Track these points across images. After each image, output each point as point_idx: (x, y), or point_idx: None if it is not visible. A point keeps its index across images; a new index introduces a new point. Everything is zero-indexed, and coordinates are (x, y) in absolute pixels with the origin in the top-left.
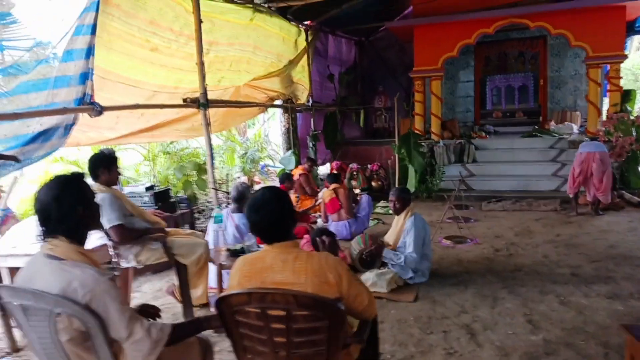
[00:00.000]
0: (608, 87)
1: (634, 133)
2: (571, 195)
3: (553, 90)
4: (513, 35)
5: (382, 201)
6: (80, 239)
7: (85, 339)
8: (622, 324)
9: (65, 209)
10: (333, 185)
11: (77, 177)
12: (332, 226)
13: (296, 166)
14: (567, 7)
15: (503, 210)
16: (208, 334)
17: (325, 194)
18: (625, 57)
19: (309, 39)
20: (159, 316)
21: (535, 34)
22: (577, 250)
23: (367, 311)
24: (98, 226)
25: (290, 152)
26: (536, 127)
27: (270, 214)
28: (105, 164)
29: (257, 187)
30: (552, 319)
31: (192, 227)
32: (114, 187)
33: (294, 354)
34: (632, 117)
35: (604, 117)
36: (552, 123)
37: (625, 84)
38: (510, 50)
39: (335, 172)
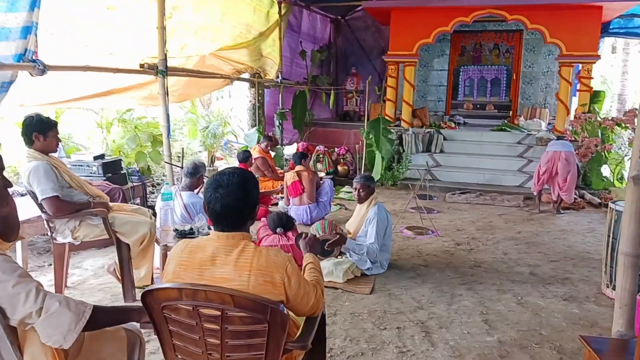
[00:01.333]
0: (578, 86)
1: (600, 135)
2: (535, 193)
3: (525, 85)
4: (490, 26)
5: (347, 186)
6: None
7: None
8: (581, 335)
9: None
10: (297, 168)
11: None
12: (293, 210)
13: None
14: (545, 2)
15: (467, 203)
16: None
17: (287, 177)
18: (598, 57)
19: (282, 11)
20: None
21: (512, 28)
22: (537, 249)
23: (311, 310)
24: None
25: (255, 129)
26: (505, 121)
27: (228, 197)
28: (39, 129)
29: (217, 163)
30: (508, 319)
31: (144, 201)
32: (52, 154)
33: (228, 357)
34: (599, 119)
35: (572, 117)
36: (522, 118)
37: (593, 85)
38: (486, 42)
39: (301, 151)
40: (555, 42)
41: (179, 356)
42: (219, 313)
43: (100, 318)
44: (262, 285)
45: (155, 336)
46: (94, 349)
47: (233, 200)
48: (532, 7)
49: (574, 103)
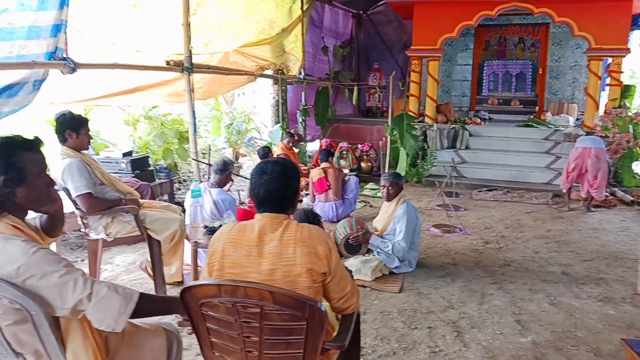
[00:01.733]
0: (608, 81)
1: (631, 130)
2: (564, 190)
3: (551, 80)
4: (515, 20)
5: (371, 183)
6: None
7: (26, 320)
8: (623, 338)
9: None
10: (323, 165)
11: (11, 144)
12: (319, 207)
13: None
14: None
15: (494, 201)
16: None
17: (313, 173)
18: (629, 51)
19: (305, 7)
20: None
21: (538, 21)
22: (568, 248)
23: (349, 300)
24: (38, 206)
25: (278, 125)
26: (531, 116)
27: (271, 183)
28: (72, 127)
29: (242, 159)
30: (541, 320)
31: (172, 198)
32: (84, 152)
33: (266, 354)
34: (630, 114)
35: (602, 112)
36: (549, 114)
37: (622, 79)
38: (511, 36)
39: (327, 149)
40: (584, 35)
41: (216, 353)
42: (258, 310)
43: (147, 304)
44: (308, 256)
45: (187, 333)
46: (134, 346)
47: (275, 187)
48: None
49: (604, 98)
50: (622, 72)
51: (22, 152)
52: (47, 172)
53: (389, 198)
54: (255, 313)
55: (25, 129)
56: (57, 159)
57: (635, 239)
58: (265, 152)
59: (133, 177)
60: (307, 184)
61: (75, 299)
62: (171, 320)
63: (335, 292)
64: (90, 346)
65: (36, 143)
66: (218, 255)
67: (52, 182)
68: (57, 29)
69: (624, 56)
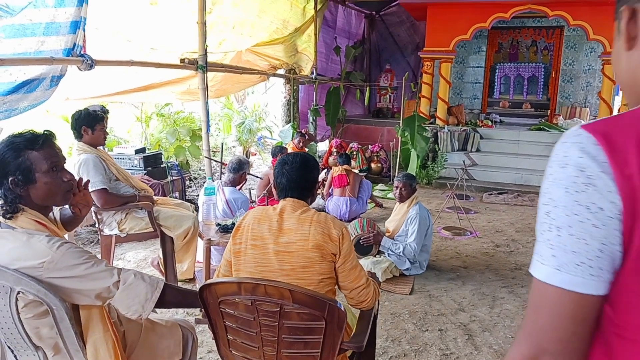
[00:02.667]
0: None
1: None
2: None
3: (564, 83)
4: (529, 23)
5: (380, 184)
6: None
7: (47, 314)
8: None
9: None
10: (345, 166)
11: (17, 143)
12: (333, 201)
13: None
14: None
15: (504, 204)
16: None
17: (334, 169)
18: None
19: (318, 7)
20: None
21: (552, 24)
22: None
23: (364, 292)
24: (57, 202)
25: (289, 125)
26: (543, 120)
27: (291, 172)
28: (87, 123)
29: (252, 158)
30: None
31: (183, 195)
32: (100, 147)
33: (283, 353)
34: None
35: None
36: (561, 118)
37: None
38: (524, 39)
39: (345, 152)
40: (599, 39)
41: (233, 351)
42: (277, 308)
43: (170, 294)
44: (321, 235)
45: (212, 339)
46: (151, 342)
47: (296, 176)
48: (575, 2)
49: (617, 102)
50: None
51: (29, 151)
52: (62, 167)
53: (402, 199)
54: (274, 311)
55: (40, 124)
56: (73, 155)
57: None
58: (276, 150)
59: (145, 174)
60: (320, 183)
61: (103, 286)
62: (182, 314)
63: (349, 281)
64: (110, 339)
65: (45, 139)
66: (245, 229)
67: (69, 176)
68: (76, 25)
69: None
